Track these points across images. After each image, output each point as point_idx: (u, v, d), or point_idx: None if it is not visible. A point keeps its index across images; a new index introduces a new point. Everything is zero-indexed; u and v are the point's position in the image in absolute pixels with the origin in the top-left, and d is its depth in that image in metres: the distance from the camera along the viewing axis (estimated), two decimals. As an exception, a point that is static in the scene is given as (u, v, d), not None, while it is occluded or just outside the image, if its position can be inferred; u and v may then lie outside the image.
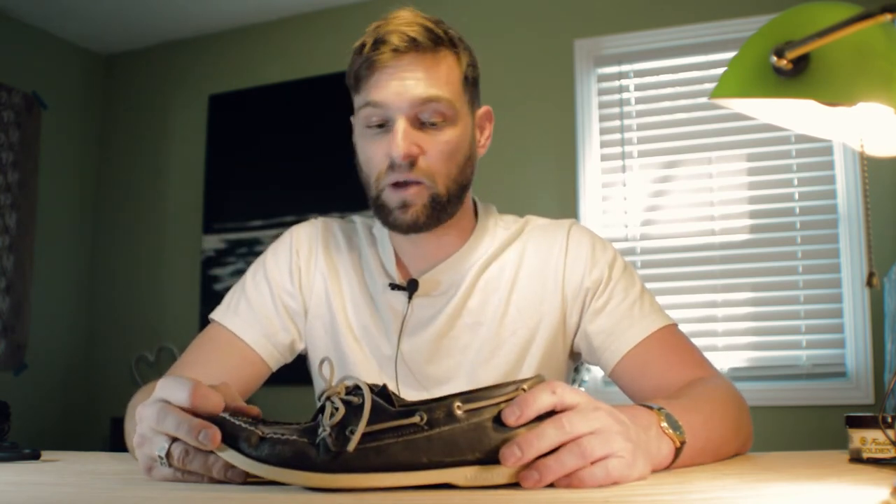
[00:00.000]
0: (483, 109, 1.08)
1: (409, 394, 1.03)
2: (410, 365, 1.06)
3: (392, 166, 0.96)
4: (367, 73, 0.97)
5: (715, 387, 0.93)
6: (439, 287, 1.06)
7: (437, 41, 0.98)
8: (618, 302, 1.03)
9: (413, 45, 0.96)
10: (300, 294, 1.10)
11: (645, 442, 0.66)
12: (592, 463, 0.60)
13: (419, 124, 0.97)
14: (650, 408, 0.72)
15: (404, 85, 0.95)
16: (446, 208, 1.00)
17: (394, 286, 1.06)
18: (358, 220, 1.17)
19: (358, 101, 1.00)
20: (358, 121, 1.01)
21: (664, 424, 0.70)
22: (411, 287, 1.05)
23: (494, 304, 1.06)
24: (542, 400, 0.61)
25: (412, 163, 0.96)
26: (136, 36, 3.62)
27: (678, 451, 0.71)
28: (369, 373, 1.06)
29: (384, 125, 0.98)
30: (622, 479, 0.61)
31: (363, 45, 0.98)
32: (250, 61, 3.48)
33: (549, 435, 0.59)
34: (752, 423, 0.95)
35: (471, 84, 1.03)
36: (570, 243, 1.07)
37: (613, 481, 0.60)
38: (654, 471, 0.68)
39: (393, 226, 1.01)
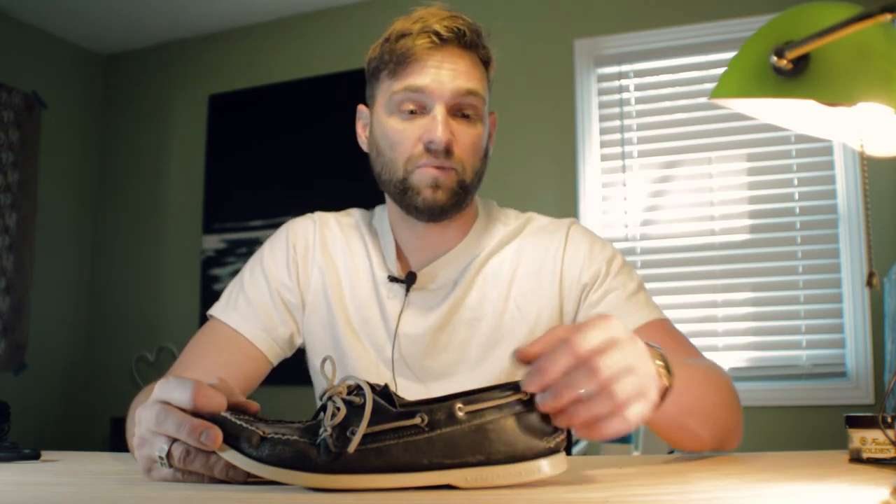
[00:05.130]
0: (491, 115, 1.10)
1: (407, 386, 1.04)
2: (407, 358, 1.06)
3: (428, 151, 0.98)
4: (408, 59, 0.98)
5: (711, 364, 0.94)
6: (437, 281, 1.07)
7: (479, 39, 1.02)
8: (615, 295, 1.04)
9: (458, 38, 0.99)
10: (298, 288, 1.10)
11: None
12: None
13: (453, 114, 1.00)
14: (649, 345, 0.70)
15: (448, 74, 0.98)
16: (466, 197, 1.03)
17: (392, 279, 1.07)
18: (356, 213, 1.17)
19: (394, 85, 1.00)
20: (387, 104, 1.02)
21: (658, 362, 0.69)
22: (409, 280, 1.06)
23: (493, 299, 1.07)
24: (560, 364, 0.60)
25: (448, 150, 0.98)
26: (136, 36, 3.62)
27: (664, 393, 0.69)
28: (367, 365, 1.06)
29: (416, 111, 1.00)
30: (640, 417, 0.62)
31: (403, 34, 0.99)
32: (250, 61, 3.48)
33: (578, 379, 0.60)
34: (742, 417, 0.95)
35: (491, 89, 1.07)
36: (569, 240, 1.08)
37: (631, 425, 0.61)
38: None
39: (420, 206, 1.01)
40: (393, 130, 1.01)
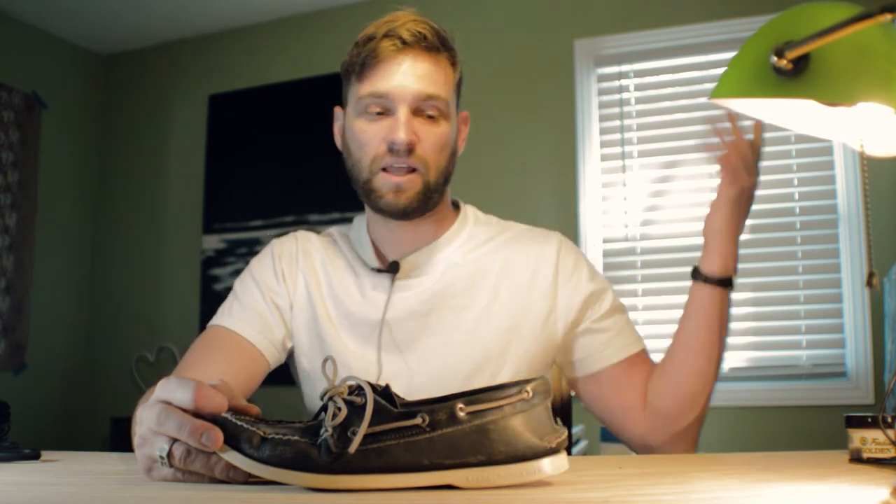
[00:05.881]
0: (463, 114, 1.15)
1: (393, 373, 1.07)
2: (394, 345, 1.09)
3: (391, 151, 1.02)
4: (374, 62, 1.02)
5: None
6: (421, 269, 1.11)
7: (442, 43, 1.05)
8: (620, 318, 1.14)
9: (420, 41, 1.03)
10: (286, 291, 1.14)
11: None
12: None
13: (417, 114, 1.03)
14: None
15: (410, 78, 1.02)
16: (433, 196, 1.07)
17: (378, 270, 1.11)
18: (334, 230, 1.23)
19: (360, 89, 1.04)
20: (355, 107, 1.06)
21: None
22: (393, 268, 1.10)
23: (482, 289, 1.11)
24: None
25: (410, 150, 1.02)
26: (136, 36, 3.62)
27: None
28: (352, 357, 1.09)
29: (383, 112, 1.03)
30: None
31: (369, 38, 1.03)
32: (250, 61, 3.48)
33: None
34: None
35: (458, 89, 1.11)
36: (563, 249, 1.15)
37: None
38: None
39: (384, 209, 1.06)
40: (360, 131, 1.05)
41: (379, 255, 1.13)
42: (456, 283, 1.10)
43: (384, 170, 1.04)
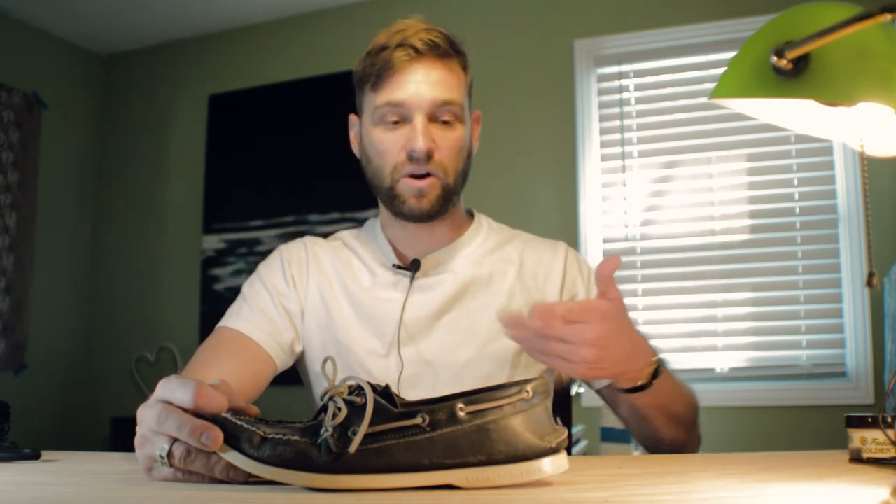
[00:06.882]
0: (475, 113, 1.17)
1: (414, 369, 1.08)
2: (415, 339, 1.10)
3: (411, 159, 1.05)
4: (389, 72, 1.05)
5: (690, 387, 1.09)
6: (440, 268, 1.13)
7: (453, 48, 1.08)
8: None
9: (433, 49, 1.05)
10: (296, 296, 1.15)
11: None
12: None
13: (433, 120, 1.06)
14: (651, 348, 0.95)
15: (424, 86, 1.04)
16: (452, 198, 1.10)
17: (398, 266, 1.13)
18: (343, 233, 1.24)
19: (377, 98, 1.07)
20: (372, 116, 1.08)
21: (654, 358, 0.94)
22: (414, 266, 1.12)
23: (498, 289, 1.13)
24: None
25: (429, 157, 1.04)
26: (136, 36, 3.62)
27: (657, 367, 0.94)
28: (372, 356, 1.10)
29: (399, 121, 1.06)
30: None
31: (383, 48, 1.05)
32: (250, 61, 3.48)
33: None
34: (698, 439, 1.10)
35: (470, 90, 1.14)
36: (568, 260, 1.19)
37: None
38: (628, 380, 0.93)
39: (407, 214, 1.08)
40: (378, 140, 1.08)
41: (397, 254, 1.15)
42: (474, 283, 1.13)
43: (405, 176, 1.07)
